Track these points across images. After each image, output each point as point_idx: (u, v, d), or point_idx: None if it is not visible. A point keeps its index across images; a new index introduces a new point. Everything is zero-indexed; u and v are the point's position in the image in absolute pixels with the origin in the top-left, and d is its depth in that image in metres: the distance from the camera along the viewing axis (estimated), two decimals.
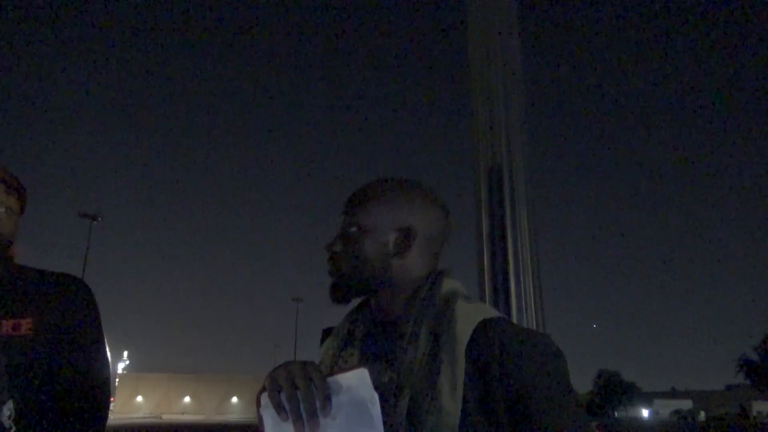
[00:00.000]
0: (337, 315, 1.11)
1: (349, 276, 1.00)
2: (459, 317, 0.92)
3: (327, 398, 0.75)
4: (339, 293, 1.02)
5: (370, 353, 0.99)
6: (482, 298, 1.87)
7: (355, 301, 1.08)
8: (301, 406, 0.75)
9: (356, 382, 0.77)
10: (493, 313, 0.95)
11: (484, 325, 0.91)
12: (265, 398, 0.79)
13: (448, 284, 1.00)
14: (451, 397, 0.85)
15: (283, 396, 0.76)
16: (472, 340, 0.89)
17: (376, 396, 0.76)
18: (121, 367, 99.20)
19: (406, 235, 1.00)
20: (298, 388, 0.76)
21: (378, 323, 1.03)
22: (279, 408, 0.76)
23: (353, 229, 1.01)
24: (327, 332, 1.14)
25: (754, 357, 58.49)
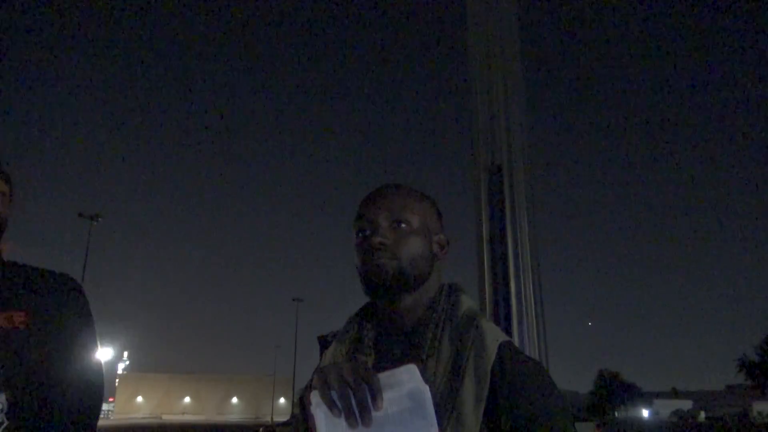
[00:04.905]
0: (337, 316, 1.11)
1: (403, 269, 0.99)
2: (487, 336, 0.96)
3: (378, 392, 0.75)
4: (393, 284, 0.99)
5: (386, 361, 0.99)
6: (482, 299, 1.88)
7: (354, 306, 1.08)
8: (353, 402, 0.75)
9: (406, 377, 0.78)
10: (506, 336, 1.01)
11: (505, 347, 0.96)
12: (315, 396, 0.78)
13: (467, 300, 1.04)
14: (473, 411, 0.89)
15: (334, 393, 0.76)
16: (495, 359, 0.94)
17: (427, 389, 0.77)
18: (121, 367, 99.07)
19: (446, 241, 1.08)
20: (349, 384, 0.77)
21: (390, 331, 1.03)
22: (331, 405, 0.76)
23: (403, 225, 1.01)
24: (323, 339, 1.14)
25: (754, 357, 58.52)
